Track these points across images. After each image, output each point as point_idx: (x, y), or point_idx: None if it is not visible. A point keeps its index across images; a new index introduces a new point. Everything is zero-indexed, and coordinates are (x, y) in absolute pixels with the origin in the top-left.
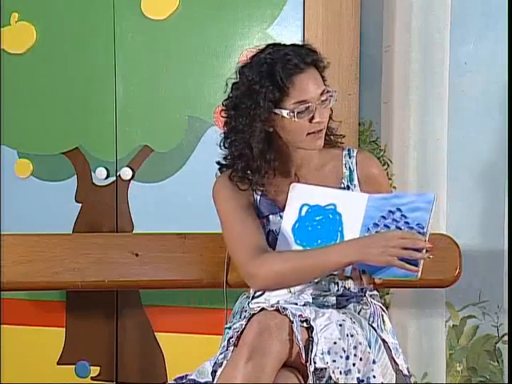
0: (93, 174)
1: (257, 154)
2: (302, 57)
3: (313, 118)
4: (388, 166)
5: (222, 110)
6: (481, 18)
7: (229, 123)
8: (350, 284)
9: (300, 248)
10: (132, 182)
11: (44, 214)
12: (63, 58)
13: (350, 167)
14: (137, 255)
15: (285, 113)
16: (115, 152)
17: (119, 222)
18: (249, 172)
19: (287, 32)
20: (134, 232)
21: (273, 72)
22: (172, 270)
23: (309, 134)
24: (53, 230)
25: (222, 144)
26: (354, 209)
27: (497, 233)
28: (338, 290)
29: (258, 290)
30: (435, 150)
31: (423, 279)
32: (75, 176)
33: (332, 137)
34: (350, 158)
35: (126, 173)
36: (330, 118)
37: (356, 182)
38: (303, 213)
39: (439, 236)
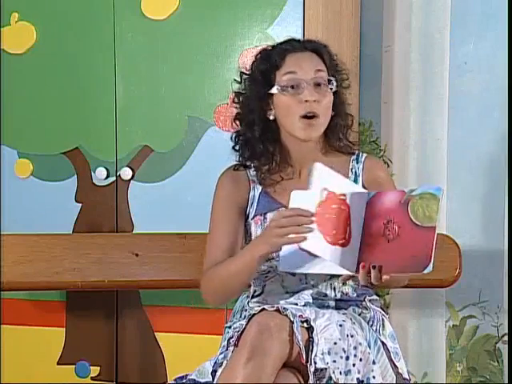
0: (93, 173)
1: (257, 141)
2: (304, 43)
3: (303, 95)
4: (388, 166)
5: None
6: (481, 18)
7: (236, 105)
8: (347, 289)
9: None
10: (132, 181)
11: (44, 214)
12: (63, 58)
13: (356, 172)
14: (137, 255)
15: (275, 89)
16: (115, 152)
17: (119, 222)
18: (252, 161)
19: (287, 32)
20: (134, 232)
21: (271, 53)
22: (172, 270)
23: (301, 118)
24: (53, 230)
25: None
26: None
27: (497, 233)
28: (335, 295)
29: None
30: (435, 150)
31: (423, 279)
32: (75, 176)
33: (346, 145)
34: (357, 162)
35: (125, 173)
36: (344, 126)
37: (360, 186)
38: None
39: (439, 236)
